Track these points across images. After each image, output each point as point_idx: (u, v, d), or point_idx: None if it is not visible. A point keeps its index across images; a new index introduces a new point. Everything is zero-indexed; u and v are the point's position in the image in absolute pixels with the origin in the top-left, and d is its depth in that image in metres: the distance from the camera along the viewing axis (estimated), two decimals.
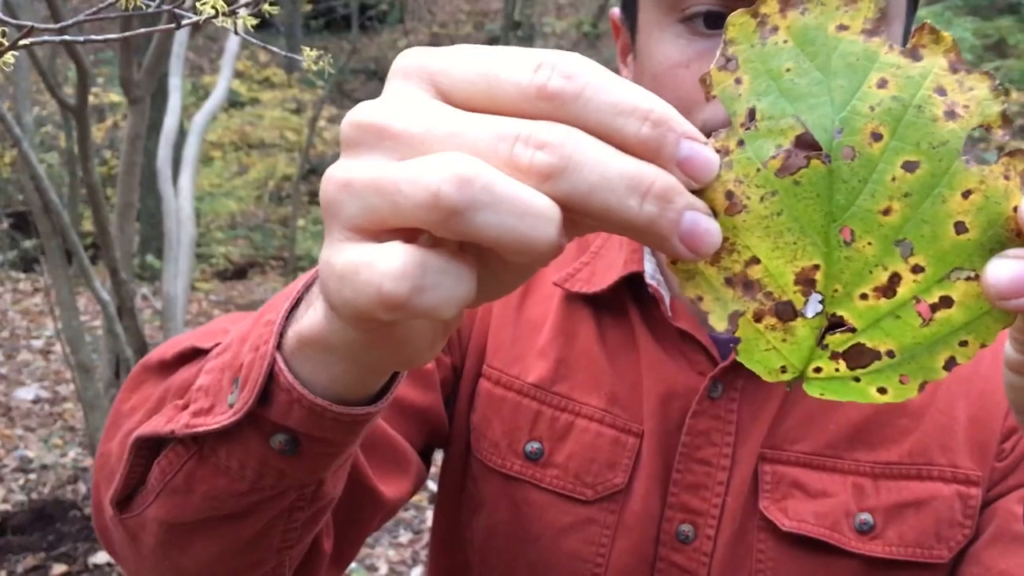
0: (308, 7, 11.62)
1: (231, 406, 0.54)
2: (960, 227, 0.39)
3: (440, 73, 0.39)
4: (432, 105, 0.38)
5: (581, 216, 0.37)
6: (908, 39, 0.79)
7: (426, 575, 1.02)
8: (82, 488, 3.76)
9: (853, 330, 0.41)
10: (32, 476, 3.95)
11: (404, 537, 3.67)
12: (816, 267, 0.41)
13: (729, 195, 0.40)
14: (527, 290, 0.91)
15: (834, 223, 0.40)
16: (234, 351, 0.57)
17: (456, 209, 0.35)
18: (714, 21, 0.75)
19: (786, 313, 0.41)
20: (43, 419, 4.66)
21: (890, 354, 0.41)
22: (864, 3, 0.39)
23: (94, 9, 0.64)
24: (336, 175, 0.39)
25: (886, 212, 0.40)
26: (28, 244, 7.42)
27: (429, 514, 3.63)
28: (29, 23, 0.59)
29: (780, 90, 0.40)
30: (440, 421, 0.89)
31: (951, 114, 0.39)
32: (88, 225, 6.41)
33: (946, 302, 0.40)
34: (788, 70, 0.40)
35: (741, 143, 0.40)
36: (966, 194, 0.39)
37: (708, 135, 0.40)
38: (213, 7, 0.62)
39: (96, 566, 3.21)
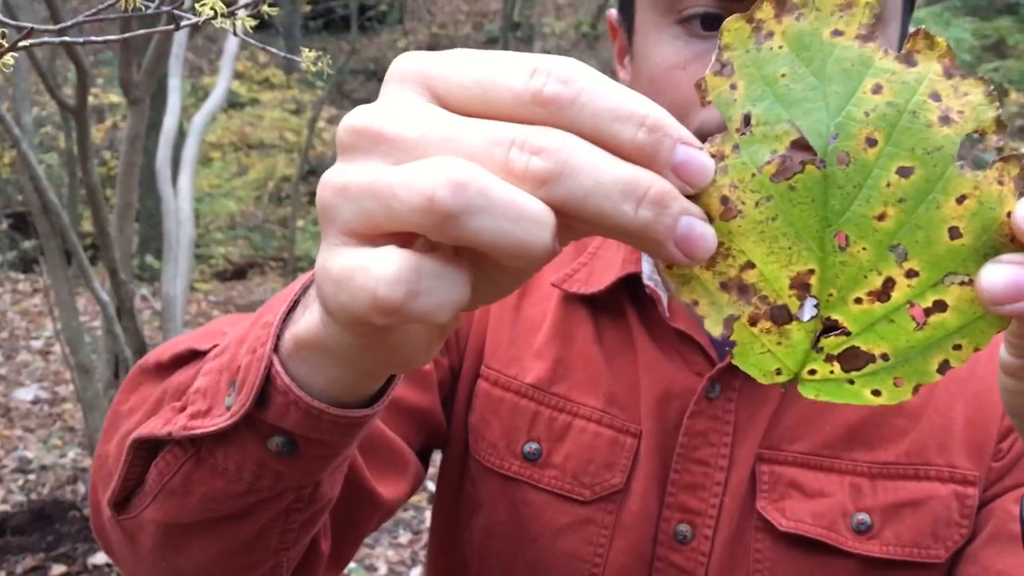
0: (307, 8, 11.62)
1: (228, 408, 0.55)
2: (954, 232, 0.39)
3: (436, 78, 0.39)
4: (428, 110, 0.38)
5: (576, 221, 0.37)
6: (904, 40, 0.80)
7: (425, 575, 1.02)
8: (81, 489, 3.76)
9: (848, 333, 0.42)
10: (31, 477, 3.95)
11: (403, 537, 3.67)
12: (811, 272, 0.41)
13: (724, 200, 0.40)
14: (525, 291, 0.91)
15: (829, 228, 0.40)
16: (231, 353, 0.57)
17: (451, 213, 0.35)
18: (711, 23, 0.75)
19: (781, 317, 0.41)
20: (42, 420, 4.66)
21: (884, 357, 0.41)
22: (859, 8, 0.40)
23: (93, 10, 0.64)
24: (332, 180, 0.39)
25: (881, 217, 0.40)
26: (27, 245, 7.43)
27: (428, 514, 3.63)
28: (29, 25, 0.59)
29: (775, 95, 0.40)
30: (438, 422, 0.89)
31: (945, 120, 0.39)
32: (87, 226, 6.42)
33: (940, 306, 0.40)
34: (783, 75, 0.40)
35: (736, 148, 0.40)
36: (960, 199, 0.39)
37: (704, 139, 0.40)
38: (212, 8, 0.62)
39: (95, 567, 3.20)
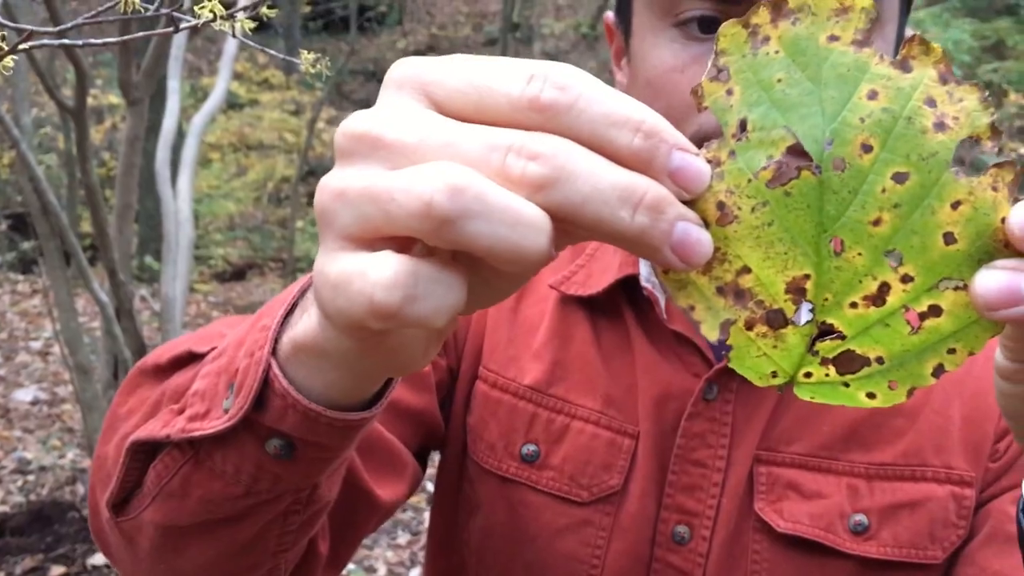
0: (306, 9, 11.62)
1: (226, 411, 0.55)
2: (949, 238, 0.40)
3: (433, 83, 0.39)
4: (425, 115, 0.39)
5: (573, 226, 0.38)
6: (901, 43, 0.80)
7: None
8: (80, 490, 3.76)
9: (843, 337, 0.42)
10: (30, 477, 3.94)
11: (402, 538, 3.67)
12: (807, 276, 0.41)
13: (720, 206, 0.40)
14: (523, 292, 0.91)
15: (824, 233, 0.40)
16: (229, 356, 0.57)
17: (448, 218, 0.35)
18: (708, 25, 0.75)
19: (777, 321, 0.42)
20: (41, 420, 4.66)
21: (879, 360, 0.42)
22: (855, 13, 0.40)
23: (93, 12, 0.64)
24: (330, 184, 0.39)
25: (876, 223, 0.40)
26: (27, 246, 7.42)
27: (427, 516, 3.63)
28: (28, 27, 0.59)
29: (771, 101, 0.40)
30: (436, 423, 0.89)
31: (941, 125, 0.39)
32: (87, 227, 6.41)
33: (935, 311, 0.41)
34: (779, 80, 0.40)
35: (732, 154, 0.40)
36: (955, 205, 0.39)
37: (700, 144, 0.40)
38: (211, 11, 0.62)
39: (94, 567, 3.20)
